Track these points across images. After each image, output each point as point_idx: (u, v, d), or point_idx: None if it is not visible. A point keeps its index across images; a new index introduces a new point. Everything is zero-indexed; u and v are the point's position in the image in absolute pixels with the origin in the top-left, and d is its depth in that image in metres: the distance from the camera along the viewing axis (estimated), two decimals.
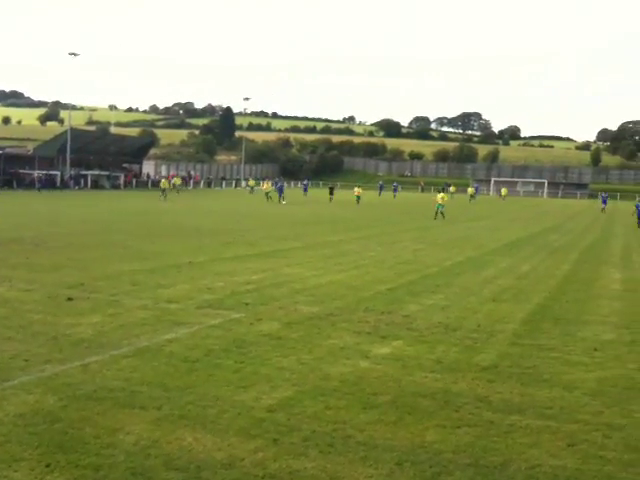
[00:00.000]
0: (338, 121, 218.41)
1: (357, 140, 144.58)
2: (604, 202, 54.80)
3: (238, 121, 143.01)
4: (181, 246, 18.65)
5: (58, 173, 65.92)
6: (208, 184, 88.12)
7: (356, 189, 51.75)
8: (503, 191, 73.73)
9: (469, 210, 49.05)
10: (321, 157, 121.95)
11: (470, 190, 70.32)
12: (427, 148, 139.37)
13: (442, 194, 37.22)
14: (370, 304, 11.02)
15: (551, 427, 5.81)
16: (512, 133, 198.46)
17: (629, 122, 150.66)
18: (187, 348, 7.94)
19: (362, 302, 11.18)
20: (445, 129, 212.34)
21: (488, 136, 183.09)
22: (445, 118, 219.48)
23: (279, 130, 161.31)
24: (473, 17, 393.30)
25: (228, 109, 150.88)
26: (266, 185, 52.79)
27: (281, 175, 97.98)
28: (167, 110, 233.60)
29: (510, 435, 5.61)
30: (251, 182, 69.59)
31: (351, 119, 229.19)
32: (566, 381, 7.16)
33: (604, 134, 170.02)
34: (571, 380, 7.20)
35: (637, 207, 34.97)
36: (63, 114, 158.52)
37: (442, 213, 34.70)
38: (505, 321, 10.13)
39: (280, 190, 49.59)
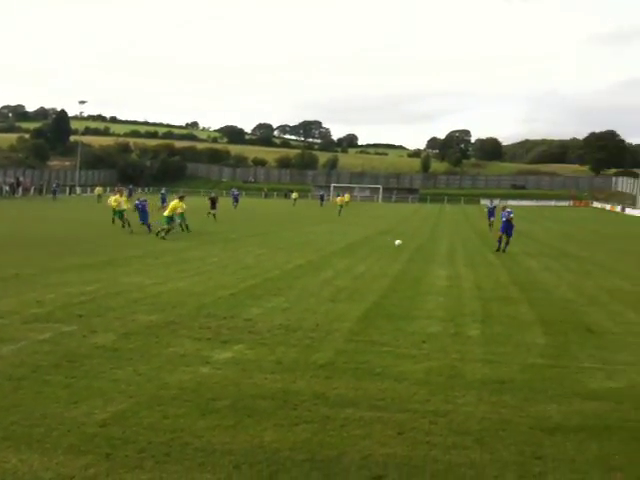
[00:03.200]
0: (181, 127, 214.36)
1: (200, 146, 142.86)
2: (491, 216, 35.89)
3: (74, 125, 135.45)
4: (6, 258, 17.32)
5: None
6: (39, 191, 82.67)
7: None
8: (343, 198, 75.37)
9: (309, 215, 50.27)
10: (163, 163, 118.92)
11: (294, 195, 72.98)
12: (270, 154, 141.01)
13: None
14: (212, 310, 10.95)
15: (382, 418, 6.13)
16: (350, 141, 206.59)
17: (455, 131, 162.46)
18: (12, 366, 7.41)
19: (204, 308, 11.09)
20: (287, 136, 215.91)
21: (328, 144, 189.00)
22: (287, 126, 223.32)
23: (118, 135, 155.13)
24: (305, 25, 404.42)
25: (62, 112, 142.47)
26: (114, 198, 29.53)
27: (119, 182, 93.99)
28: None
29: (345, 428, 5.84)
30: (98, 190, 64.51)
31: (194, 125, 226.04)
32: (396, 373, 7.58)
33: (433, 142, 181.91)
34: (401, 372, 7.64)
35: (487, 207, 37.59)
36: None
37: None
38: (342, 320, 10.52)
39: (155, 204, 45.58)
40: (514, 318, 11.08)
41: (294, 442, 5.48)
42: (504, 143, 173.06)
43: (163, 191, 50.50)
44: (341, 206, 50.87)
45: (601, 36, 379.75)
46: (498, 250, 23.39)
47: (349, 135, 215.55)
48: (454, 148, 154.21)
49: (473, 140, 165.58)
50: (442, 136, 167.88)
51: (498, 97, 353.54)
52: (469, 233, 35.35)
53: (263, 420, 5.98)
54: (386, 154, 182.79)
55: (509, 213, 24.01)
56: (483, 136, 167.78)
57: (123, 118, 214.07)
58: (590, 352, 8.80)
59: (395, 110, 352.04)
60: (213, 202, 37.92)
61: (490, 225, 35.01)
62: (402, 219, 50.17)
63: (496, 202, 42.85)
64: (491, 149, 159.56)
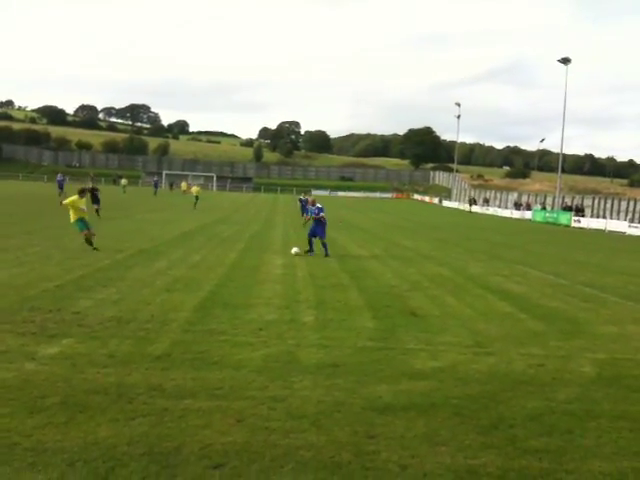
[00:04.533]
0: None
1: (17, 127, 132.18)
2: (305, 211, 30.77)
3: None
4: None
5: None
6: None
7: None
8: (183, 185, 73.19)
9: (144, 202, 48.63)
10: None
11: (123, 181, 70.10)
12: (95, 138, 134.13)
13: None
14: (36, 303, 10.25)
15: (222, 406, 6.15)
16: (181, 127, 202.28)
17: (286, 122, 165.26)
18: None
19: (27, 301, 10.35)
20: (114, 120, 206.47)
21: (158, 129, 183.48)
22: (113, 108, 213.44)
23: None
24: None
25: None
26: None
27: None
28: None
29: (184, 419, 5.80)
30: None
31: (9, 103, 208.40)
32: (235, 361, 7.64)
33: (265, 132, 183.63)
34: (239, 360, 7.71)
35: (300, 201, 35.99)
36: None
37: None
38: (178, 310, 10.36)
39: None
40: (345, 304, 11.60)
41: (131, 436, 5.35)
42: (332, 136, 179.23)
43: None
44: (197, 197, 44.00)
45: (419, 39, 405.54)
46: (309, 252, 19.17)
47: (180, 121, 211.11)
48: (285, 139, 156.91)
49: (303, 132, 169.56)
50: (273, 126, 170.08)
51: (326, 91, 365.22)
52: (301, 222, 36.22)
53: (97, 415, 5.76)
54: (219, 142, 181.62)
55: (319, 210, 19.52)
56: (312, 128, 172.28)
57: None
58: (414, 334, 9.46)
59: (225, 98, 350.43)
60: (94, 194, 28.79)
61: (305, 222, 27.99)
62: (237, 208, 50.23)
63: (309, 196, 35.27)
64: (320, 141, 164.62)
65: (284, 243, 23.08)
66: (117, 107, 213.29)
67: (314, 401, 6.41)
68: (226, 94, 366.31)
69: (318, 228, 19.28)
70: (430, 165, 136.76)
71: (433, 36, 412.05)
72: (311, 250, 19.24)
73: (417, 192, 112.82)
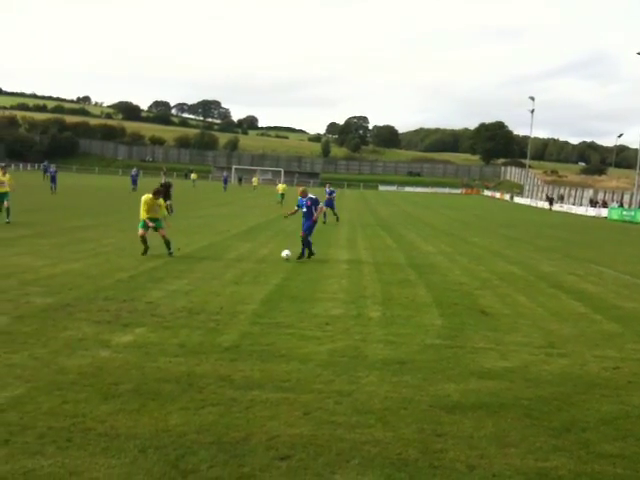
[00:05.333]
0: (72, 101, 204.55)
1: (94, 122, 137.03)
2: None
3: None
4: None
5: None
6: None
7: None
8: (254, 180, 73.73)
9: (211, 197, 49.60)
10: (53, 138, 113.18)
11: (193, 176, 70.88)
12: (168, 133, 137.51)
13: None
14: (110, 293, 10.61)
15: (288, 399, 6.20)
16: (250, 123, 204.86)
17: (354, 117, 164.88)
18: None
19: (102, 291, 10.73)
20: (186, 115, 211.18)
21: (228, 125, 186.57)
22: (185, 104, 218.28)
23: (4, 107, 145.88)
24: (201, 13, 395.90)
25: None
26: None
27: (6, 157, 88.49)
28: None
29: (251, 410, 5.87)
30: None
31: (86, 99, 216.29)
32: (301, 355, 7.68)
33: (332, 127, 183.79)
34: (305, 353, 7.75)
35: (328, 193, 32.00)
36: None
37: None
38: (246, 302, 10.51)
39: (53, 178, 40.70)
40: (412, 300, 11.48)
41: (200, 425, 5.45)
42: (400, 131, 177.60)
43: (52, 169, 47.62)
44: (282, 195, 43.43)
45: (493, 32, 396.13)
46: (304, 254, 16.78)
47: (249, 117, 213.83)
48: (353, 134, 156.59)
49: (371, 127, 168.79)
50: (341, 121, 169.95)
51: (395, 86, 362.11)
52: (368, 218, 36.15)
53: (168, 403, 5.90)
54: (287, 137, 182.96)
55: (314, 202, 17.17)
56: (380, 123, 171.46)
57: (9, 90, 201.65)
58: (484, 333, 9.27)
59: (294, 93, 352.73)
60: (167, 190, 27.13)
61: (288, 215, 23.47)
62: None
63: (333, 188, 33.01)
64: (388, 136, 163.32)
65: (350, 238, 23.07)
66: (189, 103, 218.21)
67: (380, 397, 6.37)
68: (295, 89, 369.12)
69: (307, 223, 16.44)
70: (501, 160, 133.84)
71: (509, 29, 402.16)
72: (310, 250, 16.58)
73: (487, 188, 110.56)
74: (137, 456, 4.82)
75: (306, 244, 16.37)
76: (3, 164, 24.45)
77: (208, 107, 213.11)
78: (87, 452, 4.82)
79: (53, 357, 7.03)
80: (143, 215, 15.60)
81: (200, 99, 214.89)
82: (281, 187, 45.10)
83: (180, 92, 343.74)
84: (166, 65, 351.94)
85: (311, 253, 16.56)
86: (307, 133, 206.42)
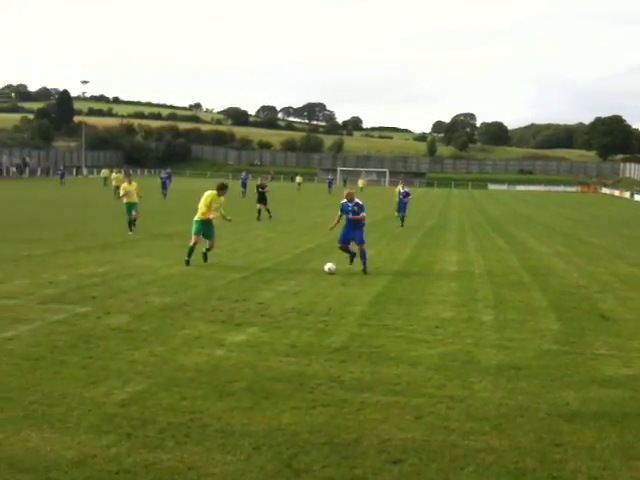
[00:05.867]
0: (184, 108, 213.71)
1: (205, 128, 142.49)
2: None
3: (77, 105, 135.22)
4: (17, 239, 17.36)
5: None
6: (46, 172, 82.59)
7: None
8: (360, 182, 73.04)
9: (317, 199, 50.20)
10: (168, 145, 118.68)
11: (298, 179, 71.32)
12: (275, 137, 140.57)
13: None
14: (224, 293, 10.96)
15: (399, 402, 6.13)
16: (355, 124, 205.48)
17: (460, 115, 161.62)
18: (29, 345, 7.44)
19: (215, 291, 11.10)
20: (292, 119, 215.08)
21: (333, 127, 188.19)
22: (291, 108, 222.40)
23: (122, 116, 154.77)
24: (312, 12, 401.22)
25: (65, 92, 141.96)
26: (115, 176, 38.44)
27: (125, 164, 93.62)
28: None
29: (362, 412, 5.85)
30: (105, 172, 56.21)
31: (197, 106, 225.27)
32: (411, 358, 7.58)
33: (438, 126, 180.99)
34: (416, 357, 7.64)
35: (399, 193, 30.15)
36: None
37: None
38: (354, 303, 10.52)
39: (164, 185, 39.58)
40: (527, 304, 11.05)
41: (312, 425, 5.49)
42: (510, 127, 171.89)
43: (168, 170, 49.18)
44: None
45: (607, 21, 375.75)
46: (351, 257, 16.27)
47: (354, 118, 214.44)
48: (460, 132, 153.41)
49: (478, 124, 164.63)
50: (447, 119, 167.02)
51: (504, 81, 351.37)
52: (478, 218, 35.26)
53: (280, 402, 5.99)
54: (391, 137, 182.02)
55: (360, 208, 14.84)
56: (488, 120, 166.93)
57: (126, 99, 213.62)
58: (605, 339, 8.77)
59: (398, 92, 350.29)
60: (261, 192, 26.63)
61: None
62: (410, 204, 49.94)
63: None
64: (497, 133, 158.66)
65: (459, 239, 22.58)
66: (295, 106, 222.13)
67: (495, 403, 6.16)
68: (399, 88, 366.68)
69: (356, 231, 14.45)
70: (619, 156, 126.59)
71: (631, 12, 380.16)
72: (351, 253, 14.72)
73: (605, 185, 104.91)
74: (251, 453, 4.92)
75: (363, 256, 14.13)
76: (129, 172, 23.07)
77: (313, 110, 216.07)
78: (204, 448, 4.98)
79: (171, 355, 7.33)
80: (202, 211, 13.74)
81: (305, 102, 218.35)
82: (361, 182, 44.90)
83: (286, 96, 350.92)
84: (273, 70, 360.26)
85: (352, 259, 14.21)
86: (412, 132, 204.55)
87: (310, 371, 6.95)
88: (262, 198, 26.59)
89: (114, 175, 38.35)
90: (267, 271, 13.58)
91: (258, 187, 26.91)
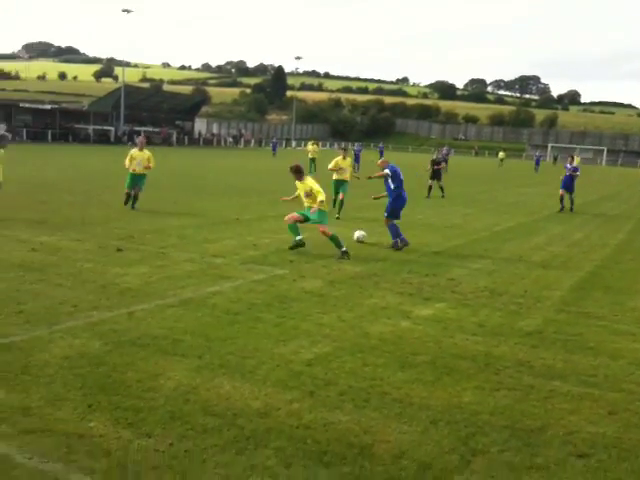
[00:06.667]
0: (391, 82, 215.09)
1: (410, 102, 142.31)
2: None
3: (290, 81, 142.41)
4: (229, 203, 18.83)
5: (112, 129, 67.08)
6: (259, 143, 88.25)
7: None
8: (576, 160, 67.91)
9: (521, 176, 47.94)
10: (373, 119, 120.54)
11: (501, 155, 67.35)
12: (482, 111, 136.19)
13: None
14: (414, 266, 10.92)
15: (593, 395, 5.68)
16: (572, 98, 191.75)
17: None
18: (230, 301, 8.04)
19: (406, 264, 11.09)
20: (502, 92, 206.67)
21: (546, 100, 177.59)
22: (502, 81, 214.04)
23: (331, 90, 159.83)
24: None
25: (280, 68, 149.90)
26: (311, 147, 36.82)
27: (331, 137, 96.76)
28: (219, 68, 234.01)
29: (550, 400, 5.51)
30: (310, 147, 61.38)
31: (404, 80, 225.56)
32: (612, 350, 6.98)
33: None
34: (617, 349, 7.02)
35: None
36: (117, 71, 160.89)
37: None
38: (553, 288, 9.91)
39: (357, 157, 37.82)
40: None
41: (494, 407, 5.29)
42: None
43: (381, 145, 50.18)
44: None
45: None
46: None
47: (570, 91, 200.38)
48: None
49: None
50: None
51: None
52: None
53: (463, 380, 5.85)
54: (612, 113, 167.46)
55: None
56: None
57: (336, 74, 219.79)
58: None
59: (624, 66, 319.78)
60: (436, 168, 25.01)
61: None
62: (629, 184, 45.89)
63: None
64: None
65: None
66: (506, 80, 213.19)
67: None
68: (625, 60, 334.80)
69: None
70: None
71: None
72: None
73: None
74: (428, 427, 4.87)
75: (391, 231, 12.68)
76: (342, 146, 19.01)
77: (526, 83, 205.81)
78: (382, 414, 5.02)
79: (358, 321, 7.48)
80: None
81: (518, 75, 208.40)
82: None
83: (497, 69, 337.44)
84: (485, 42, 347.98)
85: (396, 244, 12.53)
86: (637, 108, 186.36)
87: (497, 352, 6.69)
88: (436, 174, 25.03)
89: (309, 147, 38.96)
90: (461, 247, 13.28)
91: (433, 162, 25.29)
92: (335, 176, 16.88)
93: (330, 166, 16.92)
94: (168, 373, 5.55)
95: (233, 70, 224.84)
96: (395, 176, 12.73)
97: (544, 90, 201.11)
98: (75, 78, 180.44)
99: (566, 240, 15.23)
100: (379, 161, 13.39)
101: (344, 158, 16.93)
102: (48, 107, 67.30)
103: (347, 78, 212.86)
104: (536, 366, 6.35)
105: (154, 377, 5.44)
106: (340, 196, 16.62)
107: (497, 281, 10.15)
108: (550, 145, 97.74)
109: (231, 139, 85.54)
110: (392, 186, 12.75)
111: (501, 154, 68.61)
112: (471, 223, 17.31)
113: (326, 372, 5.81)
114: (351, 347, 6.55)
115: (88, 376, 5.39)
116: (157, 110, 76.49)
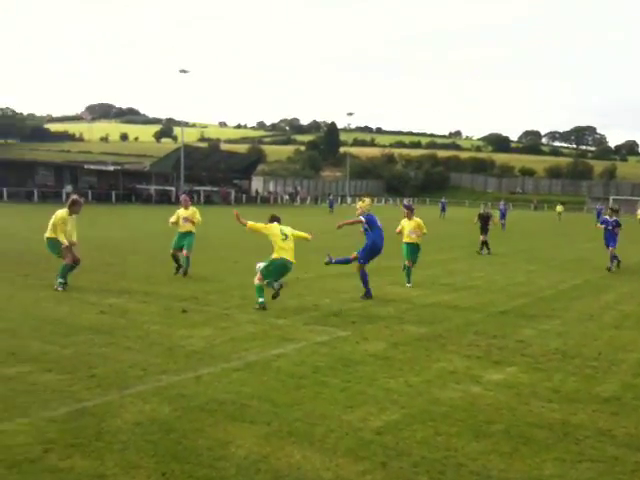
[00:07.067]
0: (444, 136, 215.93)
1: (464, 155, 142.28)
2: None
3: (342, 137, 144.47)
4: None
5: (173, 189, 69.07)
6: (315, 200, 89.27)
7: None
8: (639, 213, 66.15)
9: (583, 231, 46.80)
10: (426, 173, 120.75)
11: (558, 208, 66.19)
12: (538, 164, 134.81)
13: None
14: (481, 327, 10.66)
15: None
16: (630, 148, 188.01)
17: None
18: (294, 364, 7.98)
19: (472, 325, 10.85)
20: (557, 144, 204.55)
21: (603, 151, 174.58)
22: (557, 132, 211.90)
23: (383, 145, 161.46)
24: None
25: (332, 125, 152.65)
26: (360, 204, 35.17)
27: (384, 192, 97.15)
28: (274, 126, 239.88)
29: (637, 473, 5.20)
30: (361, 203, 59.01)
31: (457, 134, 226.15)
32: None
33: None
34: None
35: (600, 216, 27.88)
36: (176, 131, 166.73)
37: None
38: (628, 349, 9.49)
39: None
40: None
41: None
42: None
43: (443, 200, 51.52)
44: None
45: None
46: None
47: (628, 142, 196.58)
48: None
49: None
50: None
51: None
52: None
53: (541, 451, 5.59)
54: None
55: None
56: None
57: (388, 129, 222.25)
58: None
59: None
60: (485, 221, 24.86)
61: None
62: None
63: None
64: None
65: None
66: (561, 131, 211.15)
67: None
68: None
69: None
70: None
71: None
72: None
73: None
74: None
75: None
76: (410, 206, 16.37)
77: (581, 134, 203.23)
78: None
79: (426, 387, 7.29)
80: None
81: (573, 126, 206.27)
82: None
83: (551, 120, 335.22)
84: (538, 93, 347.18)
85: (368, 293, 13.01)
86: None
87: (576, 420, 6.39)
88: (485, 228, 24.58)
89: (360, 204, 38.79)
90: (528, 306, 12.92)
91: (481, 216, 25.04)
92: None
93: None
94: (238, 441, 5.50)
95: (287, 128, 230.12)
96: (371, 223, 13.34)
97: (601, 141, 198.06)
98: (136, 139, 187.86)
99: (636, 298, 14.65)
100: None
101: (409, 219, 15.24)
102: (111, 168, 70.10)
103: (399, 132, 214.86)
104: (618, 435, 6.03)
105: (224, 445, 5.40)
106: (407, 262, 15.09)
107: (568, 343, 9.79)
108: (611, 197, 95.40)
109: (287, 196, 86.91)
110: (370, 231, 13.31)
111: (559, 207, 67.34)
112: (536, 281, 16.89)
113: (397, 441, 5.65)
114: (421, 414, 6.37)
115: (160, 443, 5.39)
116: (215, 169, 78.64)
